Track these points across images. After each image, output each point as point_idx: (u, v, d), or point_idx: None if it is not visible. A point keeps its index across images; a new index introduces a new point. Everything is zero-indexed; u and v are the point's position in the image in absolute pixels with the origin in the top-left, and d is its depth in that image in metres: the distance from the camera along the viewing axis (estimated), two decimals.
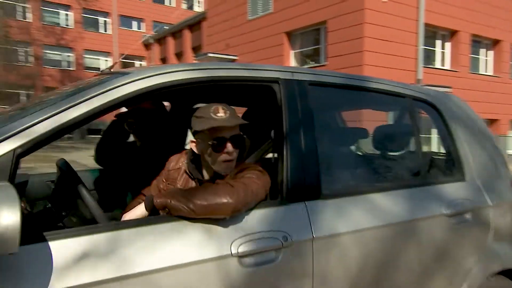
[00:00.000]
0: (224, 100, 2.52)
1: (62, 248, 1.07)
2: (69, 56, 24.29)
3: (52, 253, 1.06)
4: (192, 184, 1.57)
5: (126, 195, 2.20)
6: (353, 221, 1.54)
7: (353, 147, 2.21)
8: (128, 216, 1.33)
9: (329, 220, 1.50)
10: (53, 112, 1.13)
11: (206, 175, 1.55)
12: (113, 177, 2.29)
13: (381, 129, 2.18)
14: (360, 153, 2.24)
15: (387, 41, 10.61)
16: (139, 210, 1.37)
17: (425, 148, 1.92)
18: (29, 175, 1.62)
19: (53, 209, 1.43)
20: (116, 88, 1.26)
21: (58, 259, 1.06)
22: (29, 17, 20.45)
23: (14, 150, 1.04)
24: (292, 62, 12.99)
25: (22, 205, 1.46)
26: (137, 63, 24.97)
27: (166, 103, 2.35)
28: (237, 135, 1.47)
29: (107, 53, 25.03)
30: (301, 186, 1.49)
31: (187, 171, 1.60)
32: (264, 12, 13.51)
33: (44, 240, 1.07)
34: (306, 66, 12.47)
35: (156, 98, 2.16)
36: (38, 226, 1.19)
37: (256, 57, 13.27)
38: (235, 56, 14.45)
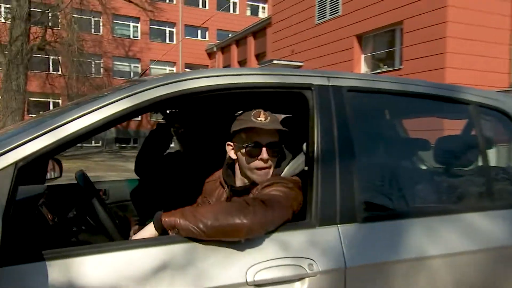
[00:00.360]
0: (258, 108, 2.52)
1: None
2: (136, 67, 26.27)
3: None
4: (223, 194, 1.58)
5: (162, 208, 2.27)
6: (398, 250, 1.41)
7: (408, 161, 2.05)
8: (137, 236, 1.32)
9: (367, 248, 1.39)
10: (56, 125, 1.17)
11: (239, 182, 1.55)
12: (151, 188, 2.38)
13: (444, 140, 2.00)
14: (415, 168, 2.07)
15: (473, 40, 9.84)
16: (148, 230, 1.31)
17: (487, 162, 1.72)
18: (46, 186, 1.74)
19: (69, 223, 1.51)
20: (127, 98, 1.28)
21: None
22: (101, 30, 22.58)
23: (16, 163, 1.09)
24: (363, 67, 12.65)
25: (49, 216, 1.57)
26: (169, 69, 25.97)
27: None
28: (274, 142, 1.47)
29: (173, 63, 26.60)
30: (333, 207, 1.40)
31: (222, 180, 1.60)
32: (333, 15, 13.37)
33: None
34: (378, 71, 12.05)
35: (202, 103, 2.22)
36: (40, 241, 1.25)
37: (323, 63, 13.13)
38: (301, 62, 14.45)
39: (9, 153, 1.09)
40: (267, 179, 1.47)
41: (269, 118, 1.47)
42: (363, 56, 12.69)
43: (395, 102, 1.80)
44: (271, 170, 1.49)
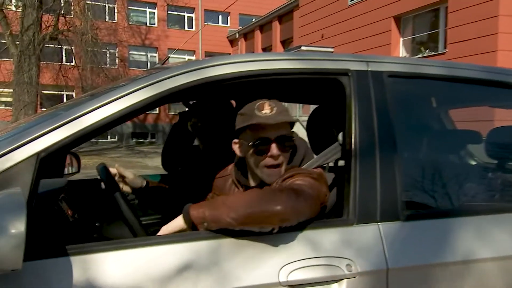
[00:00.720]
0: (288, 98, 2.52)
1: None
2: (153, 56, 26.64)
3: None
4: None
5: (184, 204, 2.31)
6: (445, 251, 1.39)
7: (456, 155, 2.01)
8: (164, 230, 1.35)
9: (410, 248, 1.38)
10: (77, 115, 1.21)
11: (252, 182, 1.55)
12: (173, 184, 2.43)
13: (498, 132, 1.95)
14: (466, 162, 2.03)
15: None
16: (176, 223, 1.34)
17: None
18: (67, 180, 1.80)
19: (89, 219, 1.57)
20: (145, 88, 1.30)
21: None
22: (116, 17, 23.00)
23: (38, 154, 1.14)
24: (402, 52, 12.41)
25: (69, 212, 1.63)
26: (188, 58, 26.06)
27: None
28: (284, 136, 1.45)
29: (192, 52, 26.83)
30: (373, 203, 1.39)
31: (234, 178, 1.61)
32: None
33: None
34: (419, 56, 11.79)
35: (221, 95, 2.24)
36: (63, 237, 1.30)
37: (356, 48, 12.95)
38: (331, 48, 14.31)
39: (30, 144, 1.14)
40: (287, 171, 1.47)
41: (275, 109, 1.43)
42: (401, 39, 12.45)
43: (442, 89, 1.77)
44: (283, 168, 1.47)
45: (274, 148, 1.43)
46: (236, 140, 1.54)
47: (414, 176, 1.59)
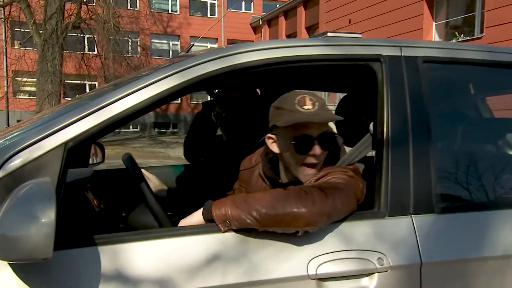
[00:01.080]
0: (315, 86, 2.50)
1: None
2: (175, 44, 26.81)
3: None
4: (266, 189, 1.56)
5: (208, 196, 2.33)
6: (483, 245, 1.36)
7: (494, 145, 1.95)
8: (184, 222, 1.36)
9: (445, 242, 1.36)
10: (103, 104, 1.23)
11: (284, 178, 1.52)
12: (196, 175, 2.45)
13: None
14: (504, 152, 1.96)
15: None
16: (194, 220, 1.33)
17: None
18: (93, 170, 1.85)
19: (114, 209, 1.60)
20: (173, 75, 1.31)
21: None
22: (138, 5, 23.21)
23: (66, 143, 1.16)
24: (435, 37, 12.11)
25: (95, 202, 1.67)
26: (210, 46, 26.00)
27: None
28: (326, 134, 1.41)
29: (214, 39, 26.86)
30: (406, 195, 1.38)
31: (262, 173, 1.60)
32: None
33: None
34: (453, 41, 11.48)
35: (247, 84, 2.24)
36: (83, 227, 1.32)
37: (386, 34, 12.70)
38: (359, 33, 14.07)
39: (58, 133, 1.17)
40: (323, 169, 1.44)
41: (317, 104, 1.39)
42: (434, 24, 12.15)
43: (480, 75, 1.72)
44: (319, 167, 1.44)
45: (317, 148, 1.39)
46: (271, 135, 1.49)
47: (449, 166, 1.55)
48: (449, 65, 1.56)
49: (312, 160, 1.41)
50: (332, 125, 1.76)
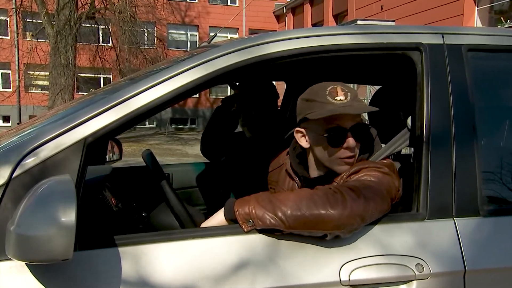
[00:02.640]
0: (346, 78, 2.49)
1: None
2: (193, 35, 26.98)
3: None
4: (295, 186, 1.57)
5: (228, 195, 2.35)
6: None
7: None
8: (206, 224, 1.36)
9: (492, 248, 1.34)
10: (124, 97, 1.24)
11: (314, 173, 1.53)
12: (219, 174, 2.48)
13: None
14: None
15: None
16: (216, 219, 1.33)
17: None
18: (112, 167, 1.88)
19: (135, 208, 1.62)
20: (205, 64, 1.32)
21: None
22: None
23: (85, 139, 1.19)
24: (477, 24, 11.84)
25: (113, 200, 1.70)
26: (230, 36, 25.95)
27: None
28: (359, 125, 1.42)
29: (235, 29, 26.92)
30: (448, 195, 1.36)
31: (289, 169, 1.60)
32: None
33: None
34: (499, 27, 11.20)
35: (268, 79, 2.24)
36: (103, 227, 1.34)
37: (421, 21, 12.49)
38: (392, 21, 13.87)
39: (77, 128, 1.19)
40: (355, 165, 1.44)
41: (349, 95, 1.40)
42: (476, 9, 11.89)
43: None
44: (356, 158, 1.45)
45: (351, 140, 1.40)
46: (300, 129, 1.50)
47: (496, 165, 1.52)
48: (497, 54, 1.53)
49: (347, 153, 1.42)
50: (364, 117, 1.75)
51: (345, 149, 1.41)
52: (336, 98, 1.39)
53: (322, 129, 1.42)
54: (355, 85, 10.60)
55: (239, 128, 2.36)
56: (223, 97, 2.45)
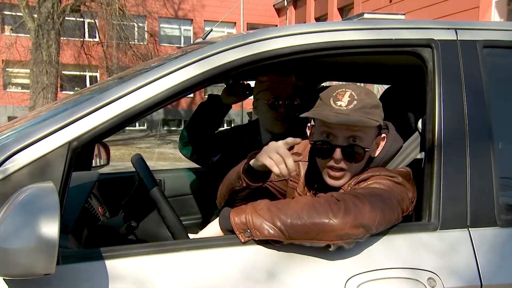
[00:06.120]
0: (352, 77, 2.49)
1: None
2: (187, 30, 27.01)
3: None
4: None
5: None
6: None
7: None
8: (200, 234, 1.37)
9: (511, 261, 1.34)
10: (113, 98, 1.24)
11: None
12: (213, 179, 2.47)
13: None
14: None
15: None
16: (211, 230, 1.34)
17: None
18: (98, 173, 1.88)
19: (123, 218, 1.63)
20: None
21: None
22: None
23: (69, 143, 1.18)
24: (494, 18, 11.87)
25: (100, 209, 1.70)
26: (227, 31, 25.95)
27: None
28: (355, 139, 1.40)
29: (232, 24, 26.97)
30: (462, 204, 1.37)
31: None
32: None
33: None
34: None
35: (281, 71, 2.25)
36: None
37: (433, 15, 12.53)
38: (402, 14, 13.94)
39: (61, 131, 1.19)
40: (366, 171, 1.45)
41: (354, 103, 1.39)
42: (494, 1, 11.93)
43: None
44: (348, 174, 1.44)
45: (338, 153, 1.40)
46: (309, 125, 1.55)
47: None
48: None
49: (332, 164, 1.42)
50: None
51: (333, 160, 1.42)
52: (337, 102, 1.40)
53: (319, 134, 1.45)
54: (362, 84, 10.65)
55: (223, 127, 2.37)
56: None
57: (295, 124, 2.14)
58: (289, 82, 2.18)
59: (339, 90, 1.43)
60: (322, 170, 1.47)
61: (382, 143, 1.50)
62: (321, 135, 1.44)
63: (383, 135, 1.50)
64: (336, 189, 1.46)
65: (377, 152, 1.49)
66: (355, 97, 1.40)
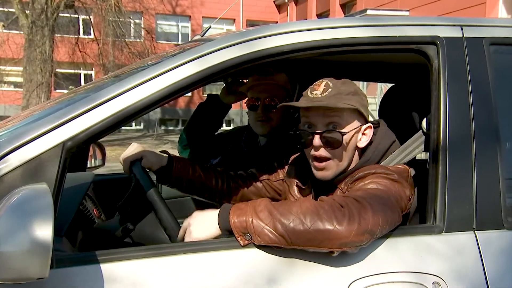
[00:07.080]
0: (354, 75, 2.50)
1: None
2: (185, 26, 27.02)
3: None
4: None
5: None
6: None
7: None
8: (196, 233, 1.33)
9: None
10: (109, 96, 1.24)
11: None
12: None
13: None
14: None
15: None
16: (207, 231, 1.32)
17: None
18: (94, 174, 1.88)
19: (119, 220, 1.63)
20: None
21: None
22: None
23: (64, 143, 1.18)
24: (501, 13, 11.89)
25: (95, 212, 1.70)
26: (226, 28, 25.92)
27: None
28: (334, 125, 1.45)
29: (231, 20, 26.98)
30: (468, 206, 1.37)
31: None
32: None
33: None
34: None
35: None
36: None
37: (438, 11, 12.54)
38: (406, 10, 13.94)
39: (54, 131, 1.19)
40: (362, 168, 1.45)
41: (329, 90, 1.45)
42: None
43: None
44: (333, 163, 1.47)
45: (317, 140, 1.45)
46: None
47: None
48: None
49: (313, 152, 1.47)
50: (374, 117, 1.76)
51: (312, 148, 1.47)
52: (313, 92, 1.48)
53: (301, 124, 1.52)
54: (365, 82, 10.65)
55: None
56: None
57: (281, 125, 2.15)
58: (269, 82, 2.16)
59: (317, 82, 1.50)
60: (311, 164, 1.51)
61: (370, 133, 1.52)
62: (303, 126, 1.50)
63: (369, 124, 1.53)
64: (329, 186, 1.49)
65: (365, 143, 1.52)
66: (330, 86, 1.47)
